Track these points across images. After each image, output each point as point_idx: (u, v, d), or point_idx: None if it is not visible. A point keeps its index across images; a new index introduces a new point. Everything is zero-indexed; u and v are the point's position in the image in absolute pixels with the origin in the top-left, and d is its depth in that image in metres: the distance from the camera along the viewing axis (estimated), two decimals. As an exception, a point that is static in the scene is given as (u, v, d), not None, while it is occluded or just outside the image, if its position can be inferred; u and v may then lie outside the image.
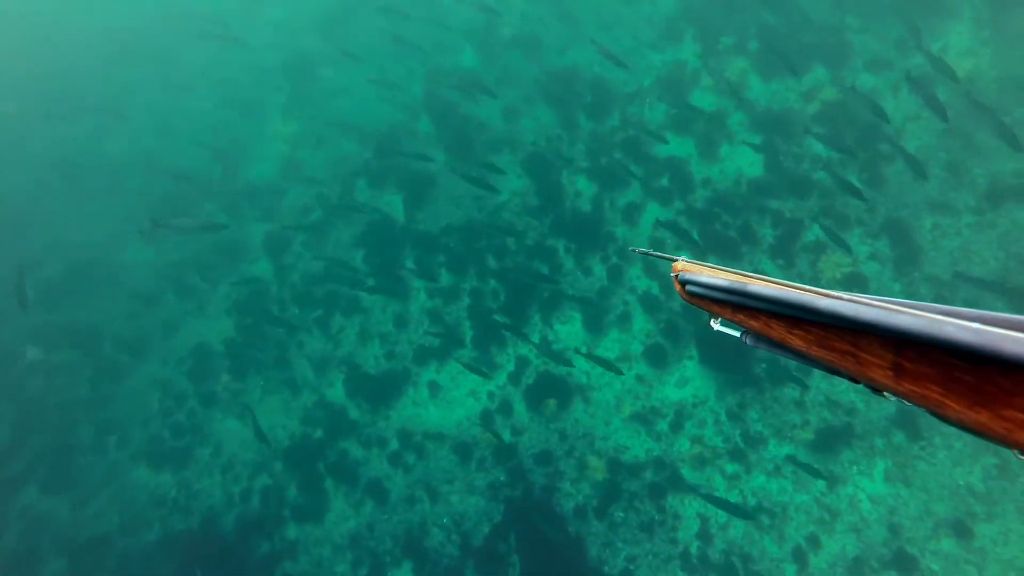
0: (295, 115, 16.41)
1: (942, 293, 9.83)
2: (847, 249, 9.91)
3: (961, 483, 9.18)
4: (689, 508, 10.15)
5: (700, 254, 11.52)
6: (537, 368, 11.78)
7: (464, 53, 15.68)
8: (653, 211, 12.20)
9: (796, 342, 0.99)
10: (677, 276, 1.40)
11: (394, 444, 12.24)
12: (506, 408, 11.71)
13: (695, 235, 11.66)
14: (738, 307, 1.14)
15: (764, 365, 10.57)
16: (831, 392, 10.07)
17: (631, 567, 10.10)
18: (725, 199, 11.72)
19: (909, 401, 0.82)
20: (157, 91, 18.54)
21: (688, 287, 1.32)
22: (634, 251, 2.27)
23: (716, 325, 1.36)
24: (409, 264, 13.27)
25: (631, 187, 12.49)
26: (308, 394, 13.34)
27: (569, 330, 11.86)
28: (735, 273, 1.22)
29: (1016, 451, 0.72)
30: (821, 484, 9.70)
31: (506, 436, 11.53)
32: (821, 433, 9.85)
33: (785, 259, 11.02)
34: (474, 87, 12.89)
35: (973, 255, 10.09)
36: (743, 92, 12.39)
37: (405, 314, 13.15)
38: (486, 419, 11.75)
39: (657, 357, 11.16)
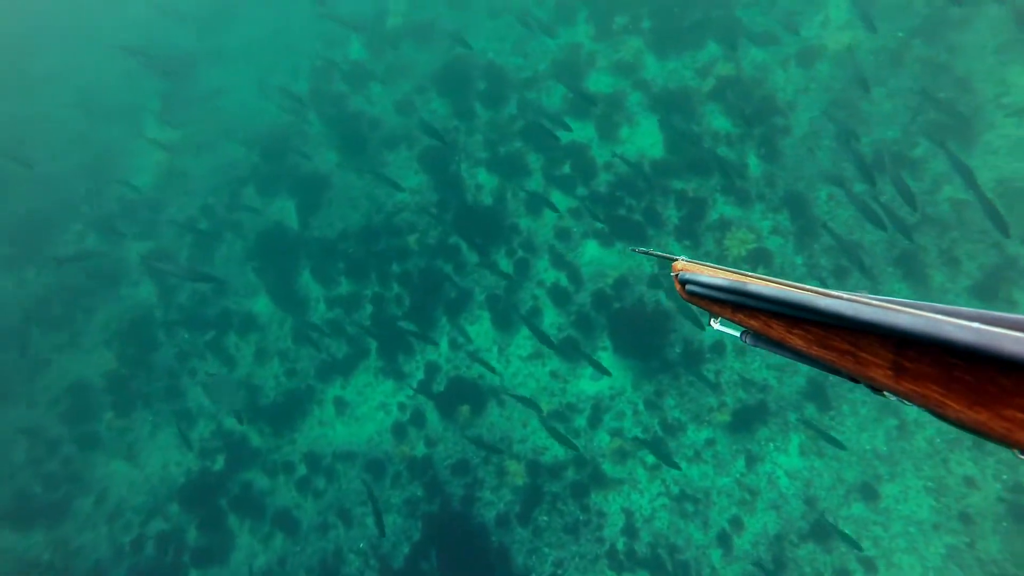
0: (172, 120, 15.38)
1: (840, 264, 10.12)
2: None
3: (868, 448, 9.46)
4: (613, 504, 10.06)
5: (607, 240, 11.48)
6: (448, 374, 11.43)
7: (351, 46, 15.11)
8: (557, 199, 12.05)
9: (796, 341, 1.00)
10: (677, 276, 1.40)
11: (302, 469, 11.61)
12: (418, 419, 11.30)
13: (599, 223, 11.60)
14: (738, 307, 1.15)
15: (678, 349, 10.60)
16: (744, 371, 10.20)
17: (559, 572, 9.92)
18: (628, 182, 11.71)
19: (909, 401, 0.82)
20: (9, 99, 17.02)
21: (688, 287, 1.32)
22: (634, 251, 2.28)
23: (716, 325, 1.35)
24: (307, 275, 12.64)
25: (532, 176, 12.31)
26: (204, 423, 12.50)
27: (479, 330, 11.57)
28: (735, 272, 1.22)
29: (1016, 451, 0.73)
30: (740, 464, 9.80)
31: (419, 448, 11.13)
32: (737, 414, 9.95)
33: (691, 239, 11.10)
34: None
35: (864, 223, 10.44)
36: (639, 72, 12.43)
37: (305, 328, 12.50)
38: (398, 432, 11.30)
39: (570, 350, 11.02)
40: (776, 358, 10.12)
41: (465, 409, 10.99)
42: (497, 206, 12.25)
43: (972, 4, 10.88)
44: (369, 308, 12.23)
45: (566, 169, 12.20)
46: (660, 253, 1.94)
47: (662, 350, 10.65)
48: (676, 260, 1.48)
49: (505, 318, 11.47)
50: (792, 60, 11.36)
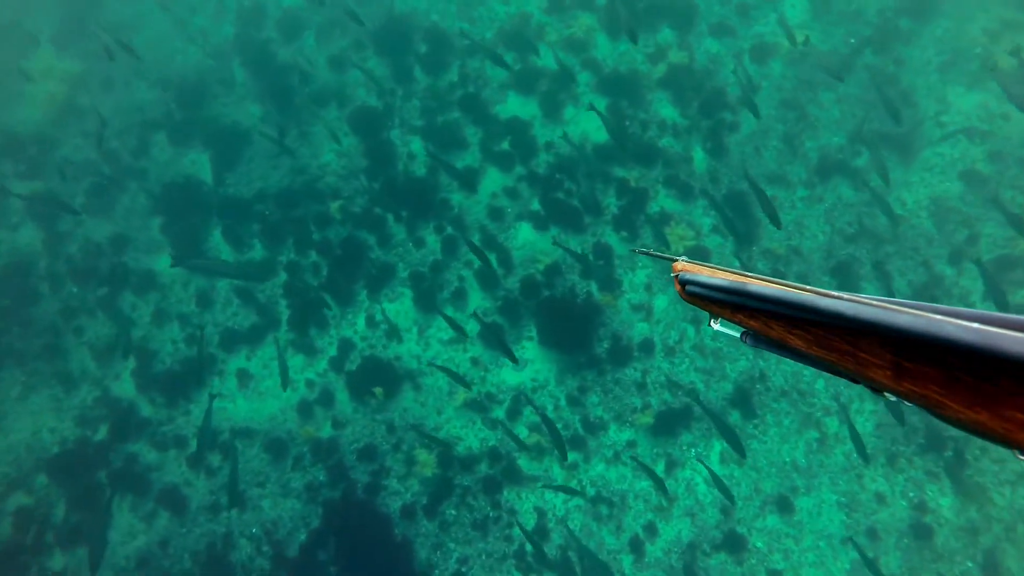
0: (73, 49, 13.22)
1: (778, 268, 9.45)
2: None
3: (787, 459, 8.92)
4: (525, 502, 9.17)
5: (542, 224, 10.45)
6: (362, 352, 10.20)
7: (286, -9, 13.33)
8: (493, 177, 10.90)
9: (796, 342, 0.96)
10: (677, 276, 1.32)
11: (195, 444, 10.16)
12: (327, 398, 10.05)
13: (535, 205, 10.55)
14: (738, 307, 1.09)
15: (606, 344, 9.74)
16: (672, 372, 9.45)
17: (463, 569, 8.99)
18: (569, 165, 10.68)
19: (909, 401, 0.80)
20: None
21: (688, 287, 1.25)
22: (634, 251, 2.12)
23: (716, 325, 1.26)
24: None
25: (469, 149, 11.09)
26: (88, 389, 10.82)
27: (399, 308, 10.37)
28: (735, 273, 1.16)
29: (1016, 451, 0.71)
30: (660, 467, 9.08)
31: (326, 430, 9.90)
32: (661, 416, 9.21)
33: (629, 231, 10.21)
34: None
35: (804, 229, 9.82)
36: (589, 50, 11.34)
37: (210, 292, 10.96)
38: (304, 411, 10.03)
39: (494, 337, 9.98)
40: (704, 362, 9.41)
41: (379, 391, 9.81)
42: (429, 178, 10.98)
43: (921, 19, 10.32)
44: (283, 276, 10.79)
45: (504, 146, 11.05)
46: (660, 254, 1.82)
47: (590, 344, 9.76)
48: (676, 260, 1.37)
49: (428, 298, 10.31)
50: (746, 54, 10.53)
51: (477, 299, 10.20)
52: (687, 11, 11.08)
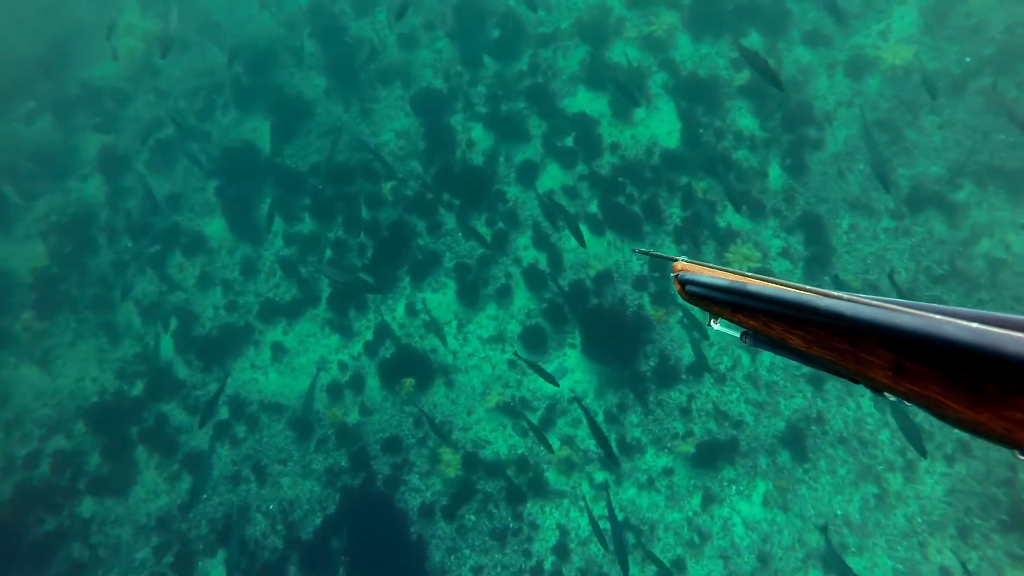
0: (155, 9, 13.08)
1: (851, 302, 8.41)
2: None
3: (839, 512, 7.92)
4: (548, 518, 8.47)
5: (598, 227, 9.65)
6: (398, 339, 9.66)
7: (365, -35, 12.84)
8: (553, 173, 10.16)
9: (796, 342, 0.95)
10: (677, 276, 1.26)
11: (224, 412, 9.85)
12: (358, 383, 9.56)
13: (594, 207, 9.76)
14: (737, 307, 1.06)
15: (652, 362, 8.91)
16: (720, 401, 8.55)
17: (476, 579, 8.36)
18: (633, 169, 9.84)
19: (909, 401, 0.80)
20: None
21: (688, 287, 1.21)
22: (635, 251, 1.99)
23: (716, 325, 1.21)
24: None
25: (531, 142, 10.37)
26: (130, 344, 10.65)
27: (440, 299, 9.76)
28: (735, 273, 1.13)
29: (1016, 451, 0.70)
30: (696, 501, 8.22)
31: (353, 415, 9.41)
32: (704, 447, 8.33)
33: (691, 243, 9.31)
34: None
35: (885, 264, 8.72)
36: (668, 50, 10.43)
37: (256, 260, 10.62)
38: (334, 392, 9.56)
39: (536, 341, 9.28)
40: (756, 394, 8.48)
41: (409, 382, 9.25)
42: (487, 168, 10.32)
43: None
44: (328, 253, 10.34)
45: (568, 142, 10.28)
46: (661, 254, 1.73)
47: (635, 360, 8.95)
48: (676, 260, 1.30)
49: (471, 292, 9.67)
50: (840, 67, 9.44)
51: (523, 299, 9.51)
52: (779, 16, 10.03)
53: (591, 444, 8.65)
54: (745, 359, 8.77)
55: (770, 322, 0.99)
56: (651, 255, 1.85)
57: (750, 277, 1.08)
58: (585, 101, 10.56)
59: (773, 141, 9.47)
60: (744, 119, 9.71)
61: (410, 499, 8.86)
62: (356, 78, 11.44)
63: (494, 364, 9.34)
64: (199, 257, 10.82)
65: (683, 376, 8.81)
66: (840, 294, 0.86)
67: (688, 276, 1.22)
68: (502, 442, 8.93)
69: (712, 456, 8.33)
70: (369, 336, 9.77)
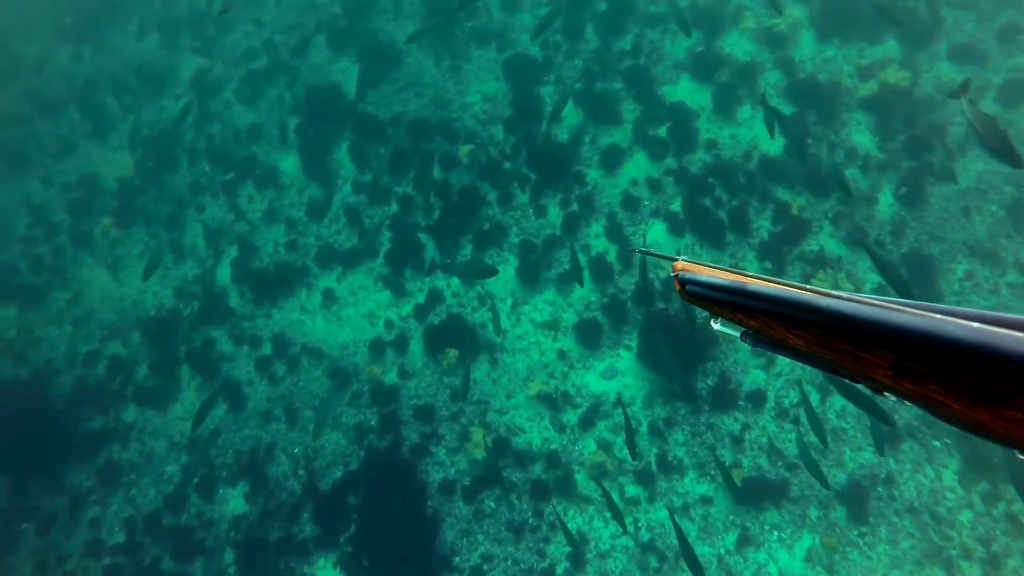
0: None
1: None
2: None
3: (894, 586, 6.92)
4: (571, 521, 7.81)
5: (678, 228, 8.75)
6: (450, 308, 9.11)
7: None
8: (639, 162, 9.27)
9: (796, 341, 0.92)
10: (677, 275, 1.21)
11: (267, 348, 9.63)
12: (401, 344, 9.10)
13: (676, 205, 8.84)
14: (737, 307, 1.03)
15: (710, 381, 8.03)
16: (777, 437, 7.61)
17: (485, 567, 7.84)
18: (727, 171, 8.83)
19: (909, 401, 0.78)
20: None
21: (688, 287, 1.16)
22: (635, 251, 1.94)
23: (716, 325, 1.15)
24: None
25: (621, 127, 9.49)
26: (191, 265, 10.56)
27: (500, 274, 9.12)
28: (735, 272, 1.09)
29: (1016, 451, 0.69)
30: (731, 539, 7.38)
31: (391, 376, 8.98)
32: (750, 482, 7.44)
33: (775, 262, 8.30)
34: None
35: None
36: (788, 48, 9.26)
37: (322, 205, 10.25)
38: (376, 349, 9.15)
39: (590, 335, 8.54)
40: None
41: (452, 353, 8.71)
42: (570, 147, 9.52)
43: None
44: (395, 208, 9.85)
45: (661, 132, 9.34)
46: (661, 254, 1.66)
47: (693, 375, 8.09)
48: (677, 260, 1.27)
49: (533, 272, 8.99)
50: (991, 91, 8.08)
51: (584, 289, 8.76)
52: (927, 23, 8.68)
53: (629, 455, 7.90)
54: (814, 397, 7.77)
55: (770, 322, 0.95)
56: (651, 254, 1.77)
57: (750, 276, 1.05)
58: (687, 91, 9.56)
59: (890, 165, 8.25)
60: (861, 135, 8.52)
61: (433, 472, 8.39)
62: (451, 33, 10.79)
63: (543, 351, 8.68)
64: (269, 191, 10.56)
65: (741, 403, 7.90)
66: (840, 293, 0.85)
67: (688, 276, 1.18)
68: (536, 433, 8.30)
69: (758, 494, 7.44)
70: (421, 299, 9.27)
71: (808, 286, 0.91)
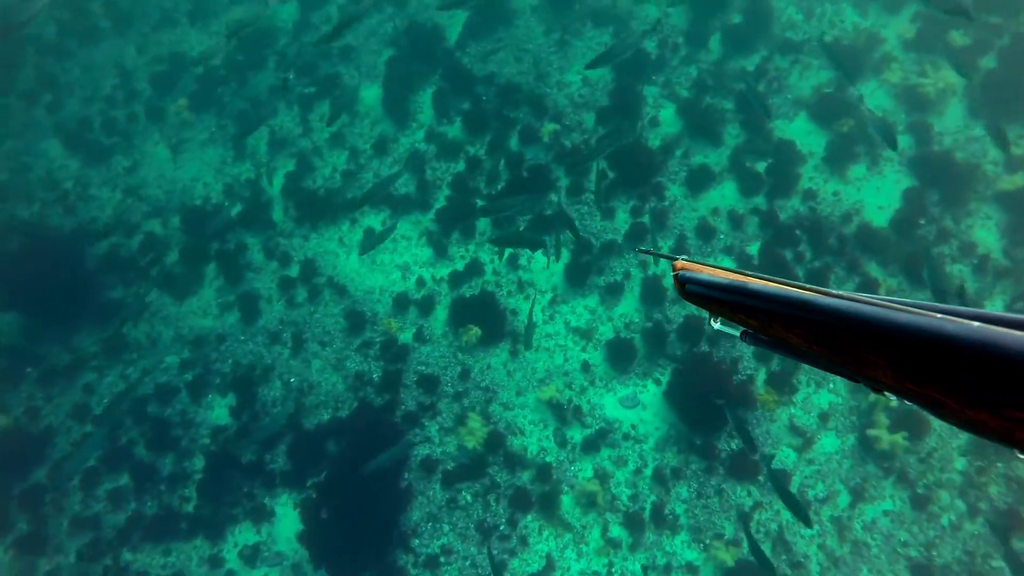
0: None
1: None
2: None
3: None
4: (543, 543, 7.02)
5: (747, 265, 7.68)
6: (486, 283, 8.33)
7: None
8: (727, 192, 8.24)
9: (795, 341, 0.91)
10: (677, 275, 1.18)
11: (294, 270, 9.06)
12: (426, 305, 8.37)
13: (753, 248, 7.79)
14: (738, 306, 1.01)
15: (734, 444, 7.05)
16: (789, 528, 6.61)
17: (441, 559, 7.14)
18: (819, 228, 7.72)
19: (910, 400, 0.77)
20: None
21: (688, 287, 1.14)
22: (637, 250, 2.10)
23: (716, 324, 1.15)
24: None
25: (719, 149, 8.44)
26: (248, 167, 10.03)
27: (543, 264, 8.28)
28: (735, 272, 1.07)
29: (1016, 451, 0.68)
30: (707, 618, 6.46)
31: (407, 335, 8.27)
32: (745, 567, 6.48)
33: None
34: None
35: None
36: (928, 113, 8.01)
37: (392, 142, 9.55)
38: (400, 304, 8.45)
39: (621, 356, 7.64)
40: (837, 546, 6.46)
41: (474, 331, 7.94)
42: (659, 155, 8.53)
43: None
44: (461, 166, 9.07)
45: (760, 166, 8.26)
46: (662, 253, 1.62)
47: (716, 432, 7.12)
48: (677, 259, 1.23)
49: (581, 273, 8.10)
50: None
51: (630, 306, 7.85)
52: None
53: (624, 494, 7.01)
54: (843, 499, 6.71)
55: (770, 321, 0.94)
56: (652, 254, 1.68)
57: (751, 276, 1.02)
58: (801, 132, 8.42)
59: (1012, 275, 7.01)
60: (986, 233, 7.28)
61: (419, 446, 7.68)
62: (569, 6, 9.83)
63: (568, 357, 7.82)
64: (342, 115, 9.89)
65: (761, 479, 6.90)
66: (840, 292, 0.83)
67: (688, 275, 1.14)
68: (535, 439, 7.49)
69: (751, 582, 6.47)
70: (460, 266, 8.50)
71: (808, 285, 0.89)
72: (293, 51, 10.70)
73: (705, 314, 1.12)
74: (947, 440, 6.60)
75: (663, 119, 8.74)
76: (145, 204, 10.11)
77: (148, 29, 11.65)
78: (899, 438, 6.53)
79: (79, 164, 10.64)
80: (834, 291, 0.84)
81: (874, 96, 8.28)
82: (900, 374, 0.73)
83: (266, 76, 10.62)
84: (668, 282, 7.86)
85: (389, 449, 6.98)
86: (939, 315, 0.69)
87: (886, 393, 0.82)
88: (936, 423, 6.57)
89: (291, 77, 10.47)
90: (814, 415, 7.09)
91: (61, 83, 11.26)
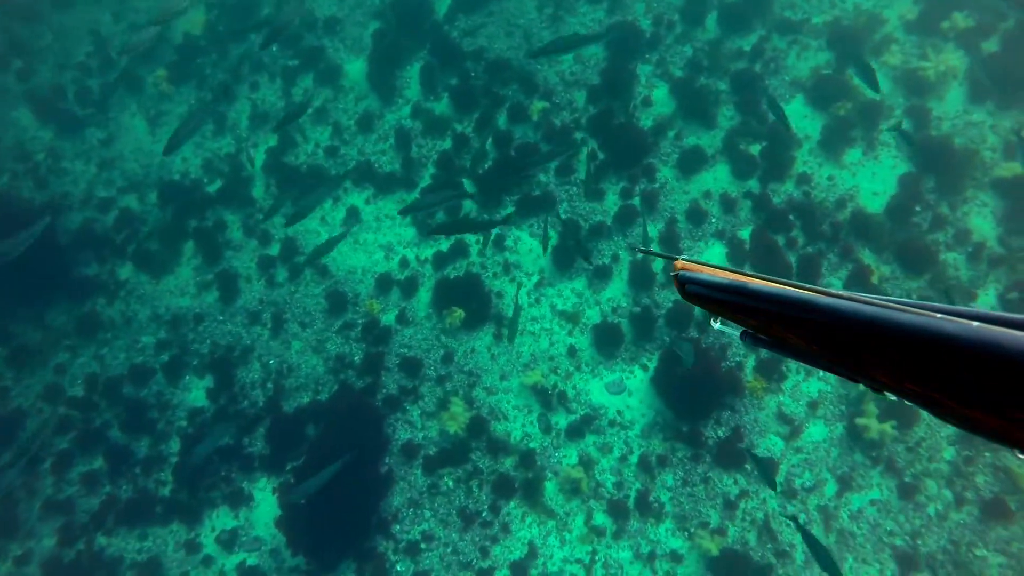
0: None
1: None
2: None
3: None
4: (525, 530, 6.88)
5: (739, 257, 7.53)
6: (471, 265, 8.10)
7: None
8: (720, 174, 8.02)
9: (795, 341, 0.91)
10: (677, 275, 1.16)
11: (275, 249, 8.78)
12: (409, 287, 8.14)
13: (745, 233, 7.60)
14: (738, 306, 1.00)
15: (721, 432, 6.92)
16: (775, 517, 6.51)
17: (422, 546, 6.99)
18: (813, 213, 7.53)
19: (909, 400, 0.77)
20: None
21: (688, 287, 1.12)
22: (636, 249, 2.00)
23: (716, 324, 1.15)
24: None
25: (712, 132, 8.21)
26: (227, 141, 9.68)
27: (533, 247, 8.05)
28: (735, 272, 1.05)
29: (1016, 450, 0.68)
30: (690, 606, 6.37)
31: (389, 317, 8.05)
32: (729, 555, 6.38)
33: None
34: None
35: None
36: (928, 97, 7.80)
37: (376, 118, 9.22)
38: (383, 285, 8.21)
39: (608, 341, 7.46)
40: (823, 535, 6.37)
41: (458, 314, 7.72)
42: (651, 136, 8.28)
43: None
44: (447, 143, 8.77)
45: (754, 149, 8.05)
46: (661, 253, 1.61)
47: (703, 419, 6.98)
48: (677, 259, 1.20)
49: (568, 255, 7.88)
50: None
51: (618, 290, 7.65)
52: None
53: (609, 481, 6.88)
54: (830, 488, 6.61)
55: (770, 321, 0.94)
56: (651, 254, 1.61)
57: (751, 276, 1.01)
58: (797, 114, 8.19)
59: (1006, 262, 6.87)
60: (982, 220, 7.12)
61: (400, 430, 7.50)
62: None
63: (554, 341, 7.64)
64: (326, 90, 9.53)
65: (747, 467, 6.77)
66: (840, 292, 0.82)
67: (688, 275, 1.12)
68: (519, 425, 7.33)
69: (734, 571, 6.37)
70: (444, 247, 8.25)
71: (808, 285, 0.89)
72: (277, 20, 10.26)
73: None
74: (936, 430, 6.49)
75: (656, 99, 8.47)
76: (121, 178, 9.73)
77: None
78: (888, 427, 6.42)
79: (51, 135, 10.22)
80: (834, 291, 0.84)
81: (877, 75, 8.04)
82: (900, 374, 0.73)
83: (247, 47, 10.20)
84: (657, 266, 7.66)
85: (320, 473, 6.66)
86: (939, 315, 0.69)
87: (886, 392, 0.81)
88: (926, 412, 6.47)
89: (273, 49, 10.06)
90: (803, 403, 6.97)
91: (33, 49, 10.78)
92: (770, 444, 6.86)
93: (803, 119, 8.21)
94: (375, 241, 8.54)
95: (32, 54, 10.75)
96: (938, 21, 8.00)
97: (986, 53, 7.67)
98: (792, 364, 7.15)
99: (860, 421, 6.55)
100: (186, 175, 9.54)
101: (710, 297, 1.05)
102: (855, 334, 0.78)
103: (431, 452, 7.37)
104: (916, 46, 8.05)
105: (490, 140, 8.59)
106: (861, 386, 0.89)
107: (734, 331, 1.09)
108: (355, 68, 9.57)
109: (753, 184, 7.95)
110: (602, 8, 9.32)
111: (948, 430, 6.47)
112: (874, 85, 6.89)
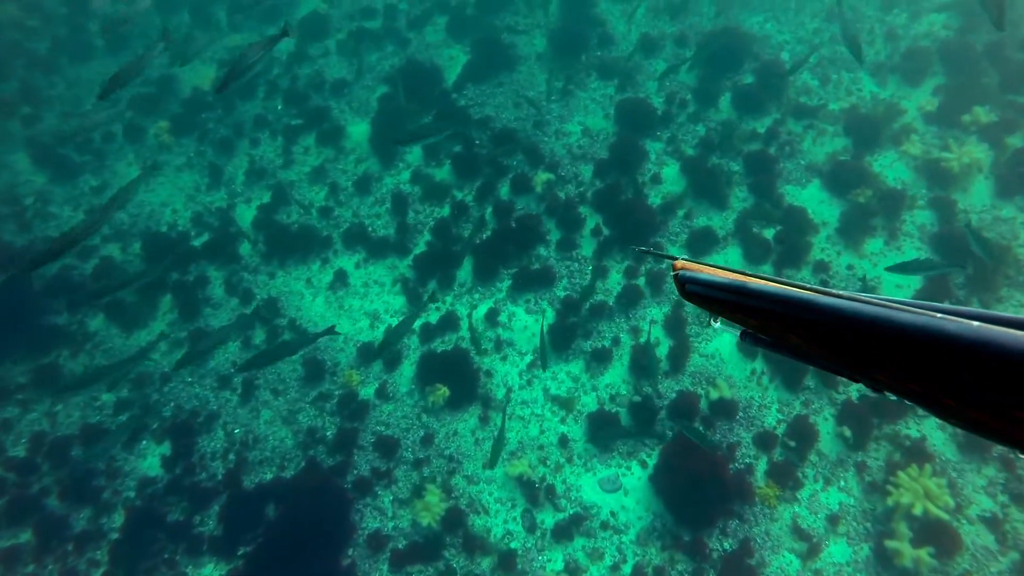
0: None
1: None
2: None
3: None
4: (499, 649, 6.17)
5: (751, 349, 7.17)
6: (459, 340, 7.80)
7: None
8: (731, 257, 7.84)
9: (795, 341, 0.92)
10: (677, 275, 1.20)
11: (254, 306, 8.56)
12: (393, 360, 7.82)
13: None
14: (737, 306, 1.03)
15: (727, 545, 6.32)
16: (792, 655, 5.80)
17: (379, 660, 6.26)
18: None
19: (909, 400, 0.77)
20: None
21: (688, 286, 1.15)
22: (636, 250, 1.83)
23: (716, 324, 1.16)
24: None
25: (724, 213, 8.10)
26: (221, 196, 9.72)
27: (528, 324, 7.78)
28: (735, 272, 1.09)
29: (1017, 450, 0.68)
30: None
31: (368, 391, 7.68)
32: None
33: (855, 433, 6.58)
34: None
35: None
36: (952, 189, 7.70)
37: (375, 181, 9.26)
38: (364, 354, 7.91)
39: (604, 431, 7.00)
40: None
41: (442, 392, 7.34)
42: (659, 215, 8.18)
43: None
44: (446, 211, 8.73)
45: (767, 233, 7.90)
46: (661, 253, 1.60)
47: (708, 527, 6.40)
48: (677, 259, 1.24)
49: (566, 335, 7.58)
50: None
51: (618, 376, 7.28)
52: None
53: (598, 596, 6.23)
54: (855, 620, 5.91)
55: (770, 321, 0.95)
56: (651, 253, 1.61)
57: (750, 276, 1.03)
58: (813, 199, 8.10)
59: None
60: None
61: (368, 518, 6.95)
62: (576, 58, 9.77)
63: (545, 429, 7.19)
64: (328, 150, 9.66)
65: (759, 587, 6.13)
66: (840, 292, 0.84)
67: (688, 274, 1.15)
68: (501, 520, 6.76)
69: None
70: (433, 319, 7.99)
71: (808, 285, 0.89)
72: (283, 82, 10.61)
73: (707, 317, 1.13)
74: (983, 561, 5.86)
75: (665, 176, 8.45)
76: (107, 227, 9.72)
77: (143, 51, 11.63)
78: (923, 554, 5.81)
79: (44, 180, 10.34)
80: (834, 291, 0.85)
81: (893, 168, 8.00)
82: (900, 373, 0.74)
83: (253, 105, 10.48)
84: (663, 352, 7.32)
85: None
86: (939, 315, 0.70)
87: (885, 392, 0.81)
88: (969, 539, 5.85)
89: (279, 107, 10.34)
90: (821, 516, 6.39)
91: (43, 97, 11.15)
92: (784, 563, 6.24)
93: (820, 204, 8.10)
94: (361, 308, 8.32)
95: (42, 102, 11.10)
96: (958, 114, 8.03)
97: (1012, 148, 7.61)
98: (810, 470, 6.63)
99: (891, 544, 5.96)
100: (173, 228, 9.51)
101: (710, 296, 1.08)
102: (856, 334, 0.79)
103: (400, 545, 6.77)
104: (937, 137, 8.05)
105: (490, 209, 8.53)
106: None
107: (734, 330, 1.10)
108: (358, 130, 9.73)
109: (767, 269, 7.73)
110: (613, 84, 9.53)
111: (1000, 564, 5.84)
112: (858, 55, 7.20)
